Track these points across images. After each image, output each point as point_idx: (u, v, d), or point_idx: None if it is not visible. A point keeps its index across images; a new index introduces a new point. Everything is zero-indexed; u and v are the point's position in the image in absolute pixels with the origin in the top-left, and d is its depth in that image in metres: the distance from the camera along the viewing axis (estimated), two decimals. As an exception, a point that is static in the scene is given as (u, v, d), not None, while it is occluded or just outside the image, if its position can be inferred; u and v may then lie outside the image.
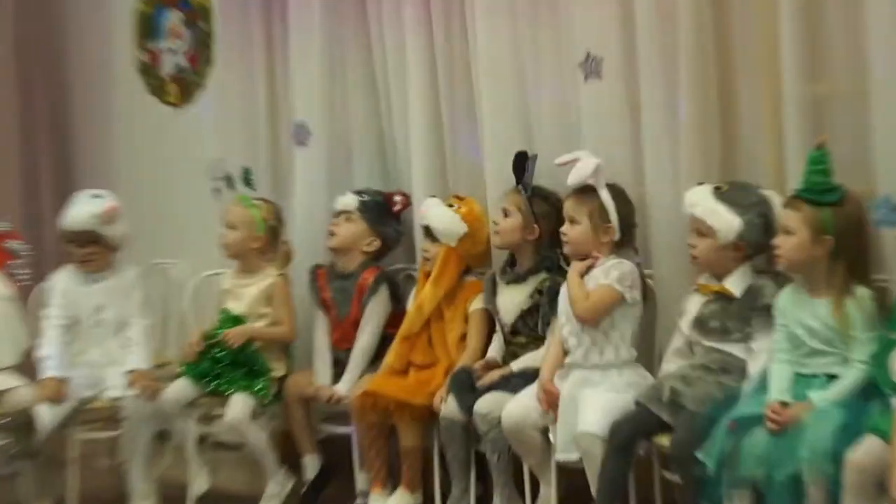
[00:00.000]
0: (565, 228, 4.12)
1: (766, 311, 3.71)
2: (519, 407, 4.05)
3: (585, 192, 4.06)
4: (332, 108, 5.07)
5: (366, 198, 4.84)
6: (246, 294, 4.85)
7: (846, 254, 3.51)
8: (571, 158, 4.07)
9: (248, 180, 5.12)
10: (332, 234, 4.83)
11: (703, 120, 4.02)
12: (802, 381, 3.55)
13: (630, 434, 3.76)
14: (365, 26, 4.97)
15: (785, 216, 3.59)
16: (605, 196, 4.04)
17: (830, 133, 3.63)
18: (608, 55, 4.21)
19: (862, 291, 3.50)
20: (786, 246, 3.56)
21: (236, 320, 4.81)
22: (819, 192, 3.52)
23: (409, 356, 4.59)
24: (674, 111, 4.07)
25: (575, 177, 4.03)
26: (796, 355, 3.58)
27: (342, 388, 4.68)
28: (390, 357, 4.59)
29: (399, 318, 4.71)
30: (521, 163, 4.35)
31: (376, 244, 4.83)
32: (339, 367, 4.77)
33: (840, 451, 3.25)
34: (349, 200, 4.83)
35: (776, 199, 3.81)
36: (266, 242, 4.92)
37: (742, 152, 4.04)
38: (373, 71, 4.99)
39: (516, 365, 4.29)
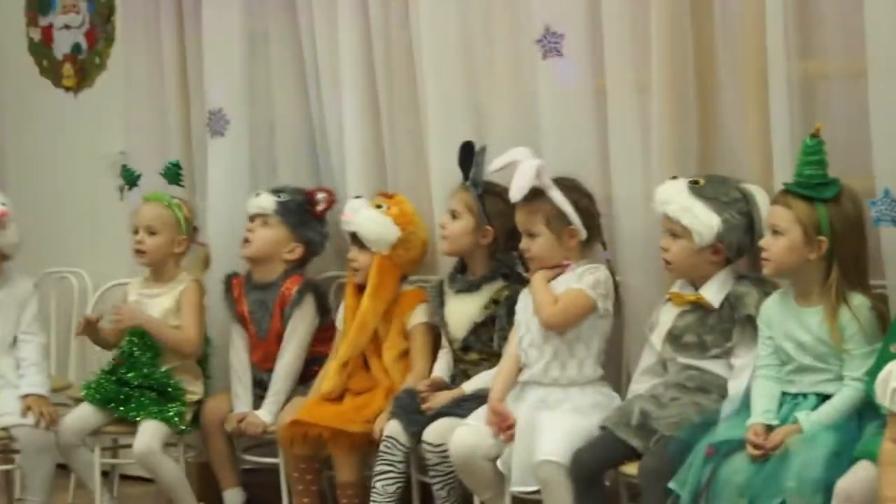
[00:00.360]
0: (524, 244, 4.04)
1: (749, 323, 3.65)
2: (469, 434, 3.94)
3: (535, 197, 3.97)
4: (253, 93, 4.99)
5: (284, 197, 4.73)
6: (155, 305, 4.77)
7: (842, 257, 3.44)
8: (506, 162, 3.99)
9: (177, 175, 4.97)
10: (246, 241, 4.74)
11: (679, 104, 3.97)
12: (790, 400, 3.49)
13: (594, 464, 3.68)
14: (290, -5, 4.93)
15: (773, 214, 3.52)
16: (559, 197, 3.95)
17: (822, 118, 3.58)
18: (570, 30, 4.13)
19: (859, 300, 3.44)
20: (774, 248, 3.48)
21: (143, 336, 4.70)
22: (813, 186, 3.44)
23: (346, 383, 4.48)
24: (645, 94, 4.00)
25: (517, 189, 3.93)
26: (783, 372, 3.52)
27: (266, 415, 4.59)
28: (326, 385, 4.46)
29: (327, 334, 4.65)
30: (468, 155, 4.26)
31: (299, 251, 4.73)
32: (261, 388, 4.71)
33: (831, 481, 3.17)
34: (265, 202, 4.72)
35: (760, 195, 3.75)
36: (187, 246, 4.84)
37: (722, 141, 3.99)
38: (300, 49, 4.90)
39: (469, 386, 4.21)
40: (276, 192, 4.76)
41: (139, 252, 4.77)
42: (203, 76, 5.05)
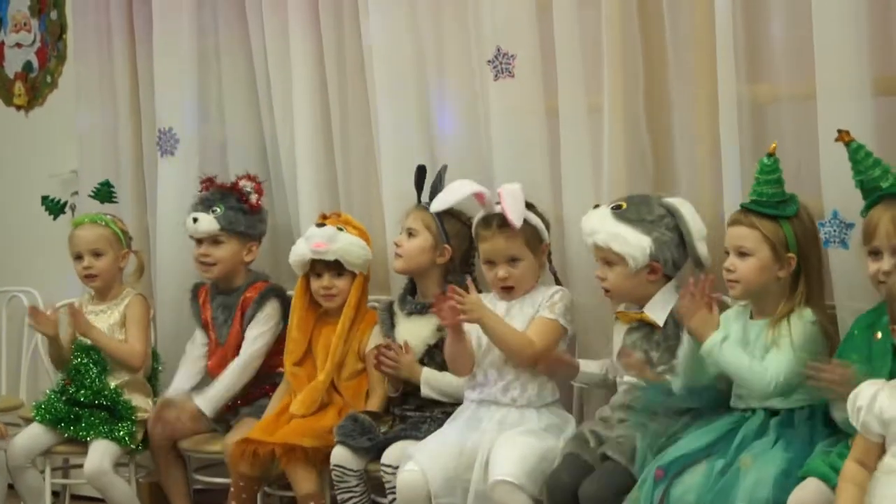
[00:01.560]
0: (504, 272, 3.89)
1: (693, 338, 3.58)
2: (415, 475, 3.78)
3: (508, 223, 3.85)
4: (204, 112, 4.93)
5: (220, 211, 4.60)
6: (102, 322, 4.70)
7: (809, 270, 3.39)
8: (460, 197, 3.92)
9: (109, 194, 4.89)
10: (206, 264, 4.61)
11: (630, 125, 3.93)
12: (738, 415, 3.43)
13: (571, 484, 3.52)
14: (241, 14, 4.83)
15: (736, 235, 3.42)
16: (535, 219, 3.90)
17: (772, 140, 3.53)
18: (521, 51, 4.09)
19: (806, 312, 3.38)
20: (743, 269, 3.39)
21: (90, 351, 4.62)
22: (775, 204, 3.39)
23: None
24: (596, 115, 3.97)
25: (517, 214, 3.79)
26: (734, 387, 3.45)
27: (203, 404, 4.50)
28: (296, 405, 4.30)
29: (282, 346, 4.51)
30: (423, 178, 4.21)
31: (256, 248, 4.67)
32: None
33: (781, 500, 3.13)
34: (207, 225, 4.58)
35: (685, 207, 3.71)
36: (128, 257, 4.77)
37: (673, 163, 3.95)
38: (252, 67, 4.85)
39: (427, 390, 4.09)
40: (208, 207, 4.61)
41: (90, 277, 4.68)
42: (154, 94, 4.98)
